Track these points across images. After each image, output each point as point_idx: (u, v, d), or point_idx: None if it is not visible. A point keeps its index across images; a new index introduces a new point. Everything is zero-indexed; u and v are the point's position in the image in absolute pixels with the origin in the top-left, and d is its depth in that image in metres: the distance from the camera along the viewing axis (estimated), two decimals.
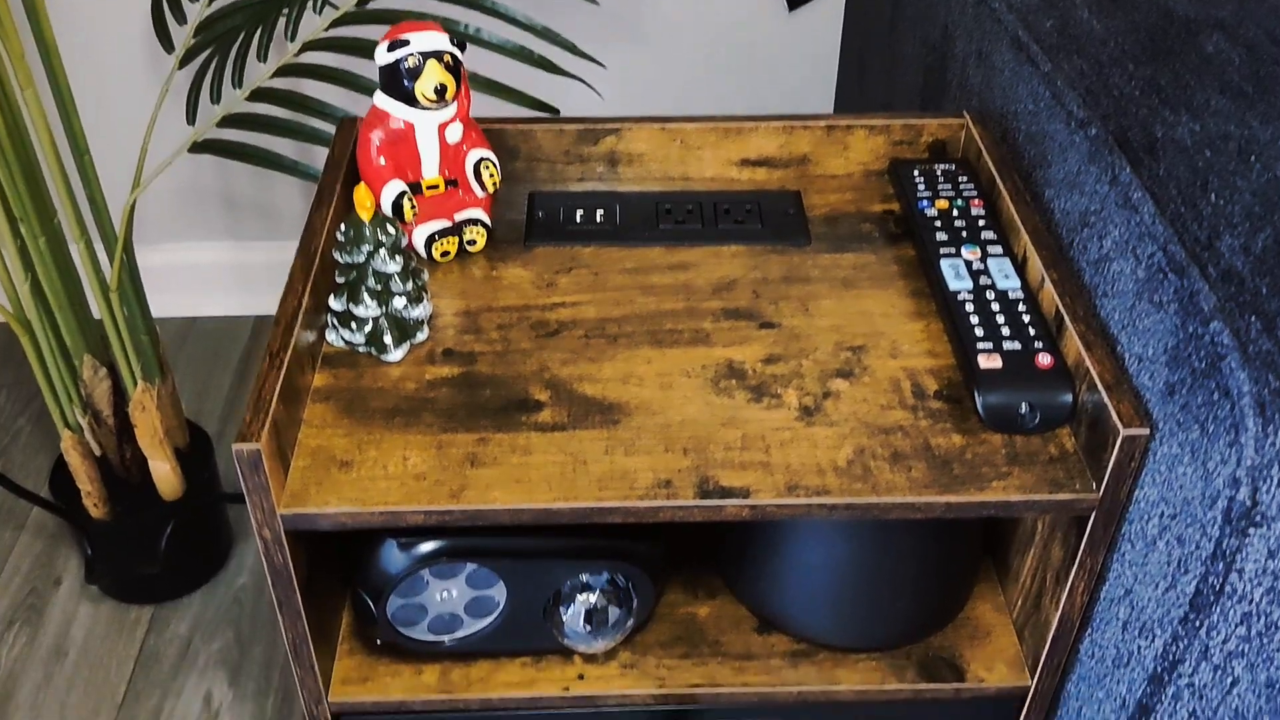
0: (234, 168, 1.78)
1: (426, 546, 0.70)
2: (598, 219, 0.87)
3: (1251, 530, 0.59)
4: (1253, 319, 0.60)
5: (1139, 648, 0.68)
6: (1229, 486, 0.58)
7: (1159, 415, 0.64)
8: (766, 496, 0.67)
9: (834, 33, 1.61)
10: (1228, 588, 0.61)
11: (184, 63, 1.19)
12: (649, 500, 0.67)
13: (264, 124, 1.15)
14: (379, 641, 0.78)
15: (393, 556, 0.70)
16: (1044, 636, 0.76)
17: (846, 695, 0.79)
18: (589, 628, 0.76)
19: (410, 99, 0.78)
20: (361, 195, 0.71)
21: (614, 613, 0.76)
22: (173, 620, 1.49)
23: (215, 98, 1.15)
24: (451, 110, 0.81)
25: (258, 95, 1.15)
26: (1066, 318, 0.71)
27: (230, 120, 1.15)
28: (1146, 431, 0.64)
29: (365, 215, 0.71)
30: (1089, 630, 0.76)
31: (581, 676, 0.79)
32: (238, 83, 1.14)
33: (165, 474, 1.43)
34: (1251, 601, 0.61)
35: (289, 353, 0.68)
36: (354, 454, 0.69)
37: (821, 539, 0.75)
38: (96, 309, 1.31)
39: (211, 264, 1.91)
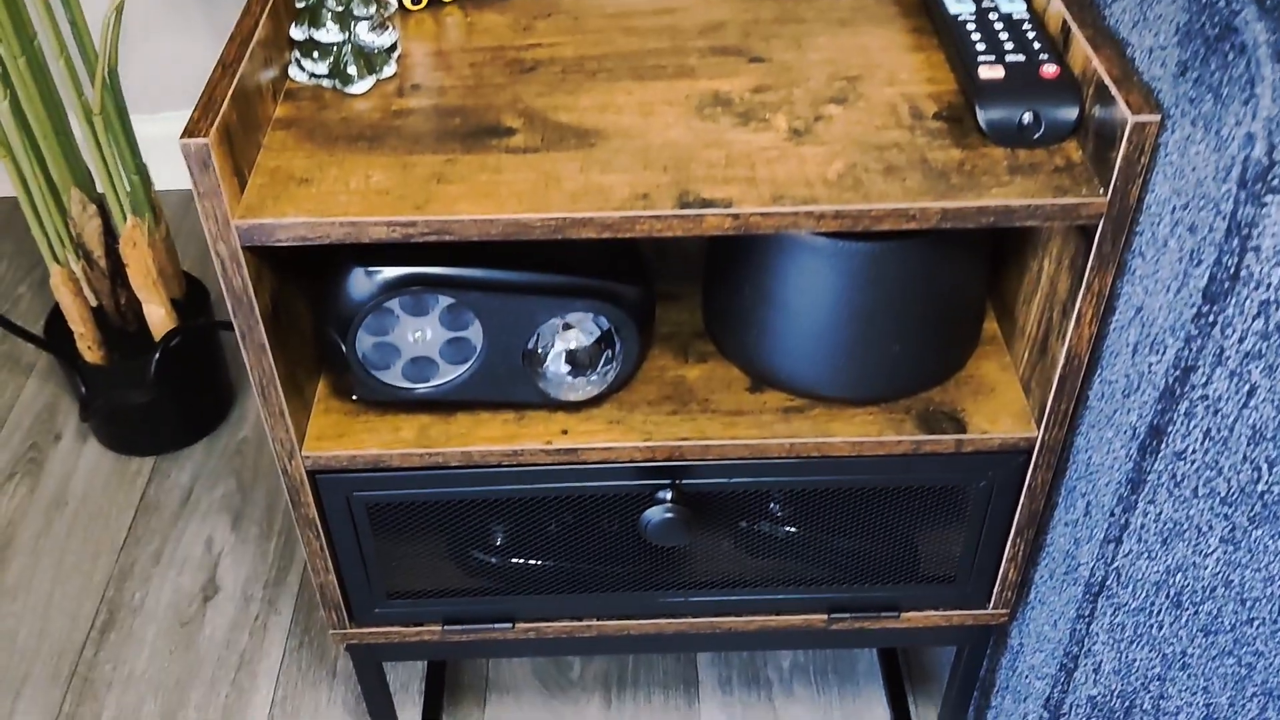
0: (228, 32, 1.74)
1: (393, 272, 0.67)
2: None
3: (1269, 198, 0.54)
4: None
5: (1149, 366, 0.64)
6: (1244, 147, 0.54)
7: (1169, 102, 0.60)
8: (750, 206, 0.63)
9: None
10: (1243, 272, 0.57)
11: None
12: (626, 211, 0.63)
13: None
14: (354, 397, 0.75)
15: (359, 284, 0.67)
16: (1050, 380, 0.72)
17: (841, 448, 0.75)
18: (570, 370, 0.72)
19: None
20: None
21: (596, 355, 0.72)
22: (173, 471, 1.47)
23: None
24: None
25: None
26: (1074, 26, 0.67)
27: None
28: (1156, 118, 0.59)
29: None
30: (1098, 370, 0.72)
31: (565, 431, 0.75)
32: None
33: (160, 318, 1.40)
34: (1269, 287, 0.57)
35: (243, 64, 0.64)
36: (314, 173, 0.65)
37: (814, 280, 0.71)
38: (85, 147, 1.28)
39: None
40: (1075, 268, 0.67)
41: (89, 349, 1.39)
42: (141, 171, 1.33)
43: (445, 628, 0.85)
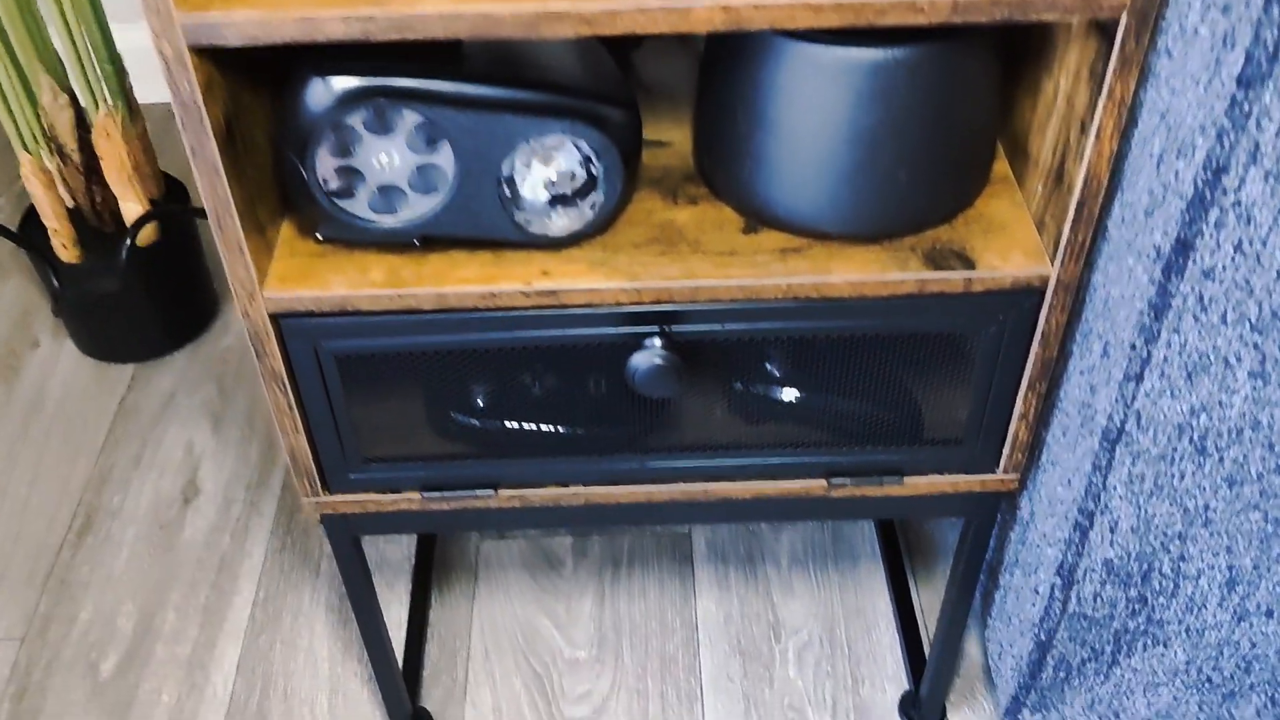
0: None
1: (354, 81, 0.62)
2: None
3: None
4: None
5: (1175, 174, 0.59)
6: None
7: None
8: None
9: None
10: None
11: None
12: (604, 4, 0.57)
13: None
14: (319, 236, 0.70)
15: (316, 95, 0.62)
16: (1066, 210, 0.67)
17: (841, 289, 0.70)
18: (549, 200, 0.67)
19: None
20: None
21: (576, 184, 0.67)
22: (153, 377, 1.43)
23: None
24: None
25: None
26: None
27: None
28: None
29: None
30: (1117, 194, 0.67)
31: (546, 272, 0.70)
32: None
33: (137, 215, 1.35)
34: None
35: None
36: None
37: (814, 99, 0.65)
38: (56, 34, 1.22)
39: None
40: (1095, 76, 0.62)
41: (63, 246, 1.34)
42: (115, 61, 1.28)
43: (425, 494, 0.81)
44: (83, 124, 1.31)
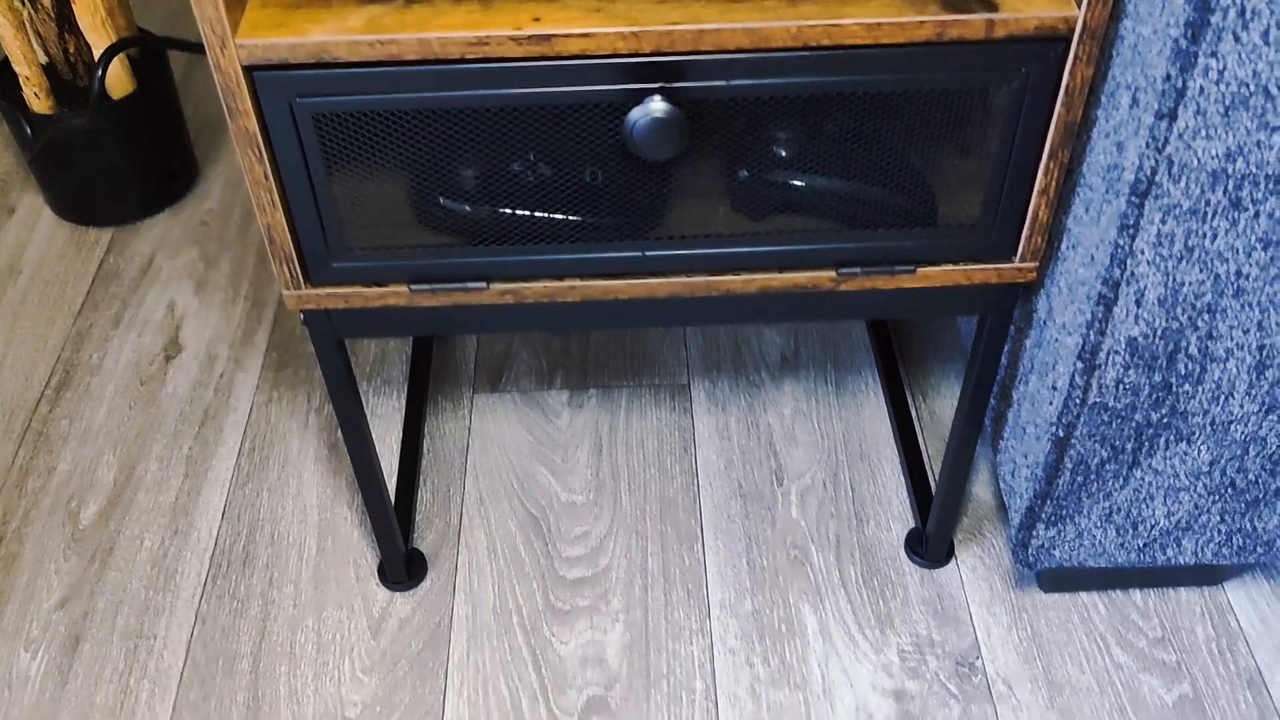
0: None
1: None
2: None
3: None
4: None
5: None
6: None
7: None
8: None
9: None
10: None
11: None
12: None
13: None
14: None
15: None
16: None
17: (855, 33, 0.66)
18: None
19: None
20: None
21: None
22: (133, 241, 1.38)
23: None
24: None
25: None
26: None
27: None
28: None
29: None
30: None
31: (537, 19, 0.66)
32: None
33: (112, 68, 1.30)
34: None
35: None
36: None
37: None
38: None
39: None
40: None
41: (35, 96, 1.29)
42: None
43: (413, 287, 0.77)
44: None
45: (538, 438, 1.15)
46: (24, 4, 1.26)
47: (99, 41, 1.29)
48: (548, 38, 0.65)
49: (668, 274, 0.78)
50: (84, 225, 1.40)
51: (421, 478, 1.11)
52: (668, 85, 0.67)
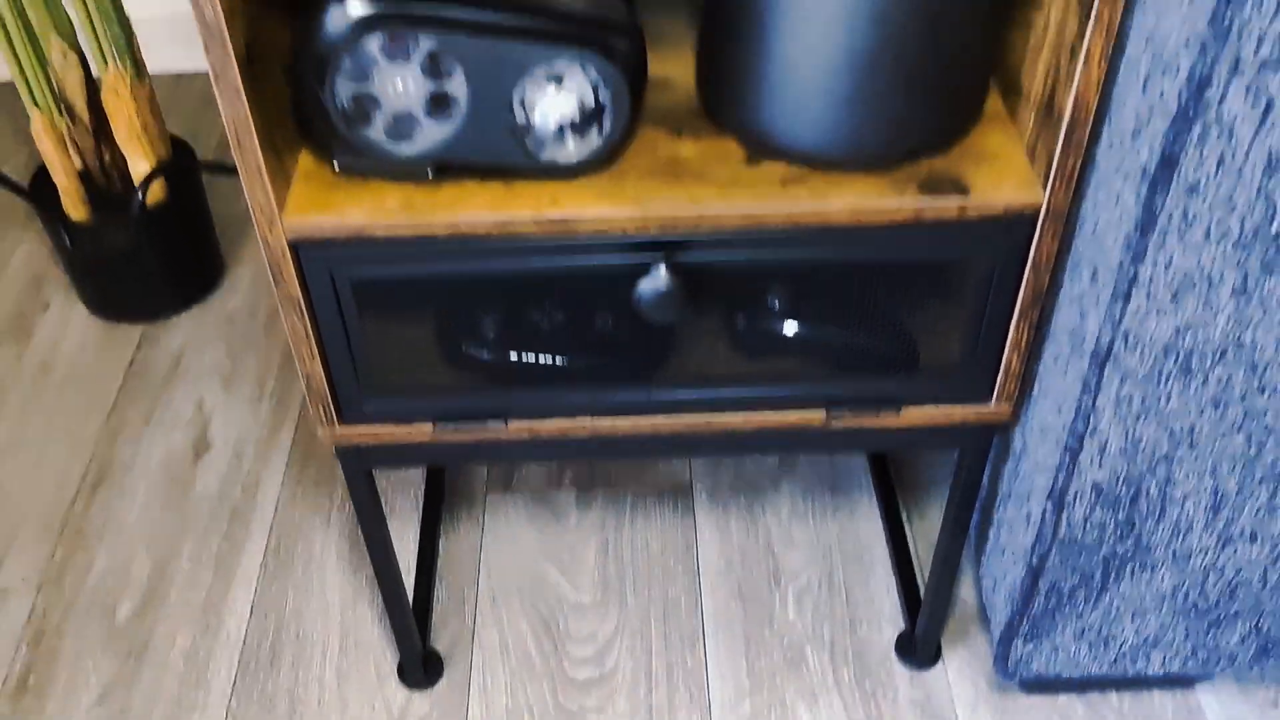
0: None
1: (370, 6, 0.64)
2: None
3: None
4: None
5: (1160, 93, 0.62)
6: None
7: None
8: None
9: None
10: None
11: None
12: None
13: None
14: (336, 167, 0.72)
15: (335, 20, 0.64)
16: (1056, 138, 0.69)
17: (840, 215, 0.73)
18: (558, 128, 0.69)
19: None
20: None
21: (584, 112, 0.69)
22: (162, 337, 1.45)
23: None
24: None
25: None
26: None
27: None
28: None
29: None
30: (1105, 122, 0.69)
31: (555, 200, 0.73)
32: None
33: (145, 174, 1.37)
34: None
35: None
36: None
37: (814, 23, 0.68)
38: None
39: None
40: (1084, 3, 0.65)
41: (73, 204, 1.36)
42: (124, 24, 1.30)
43: (437, 425, 0.83)
44: (92, 85, 1.34)
45: (547, 538, 1.21)
46: (63, 116, 1.34)
47: (134, 153, 1.36)
48: (564, 219, 0.72)
49: (671, 413, 0.84)
50: (115, 321, 1.47)
51: (438, 576, 1.17)
52: (672, 257, 0.74)
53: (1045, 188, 0.72)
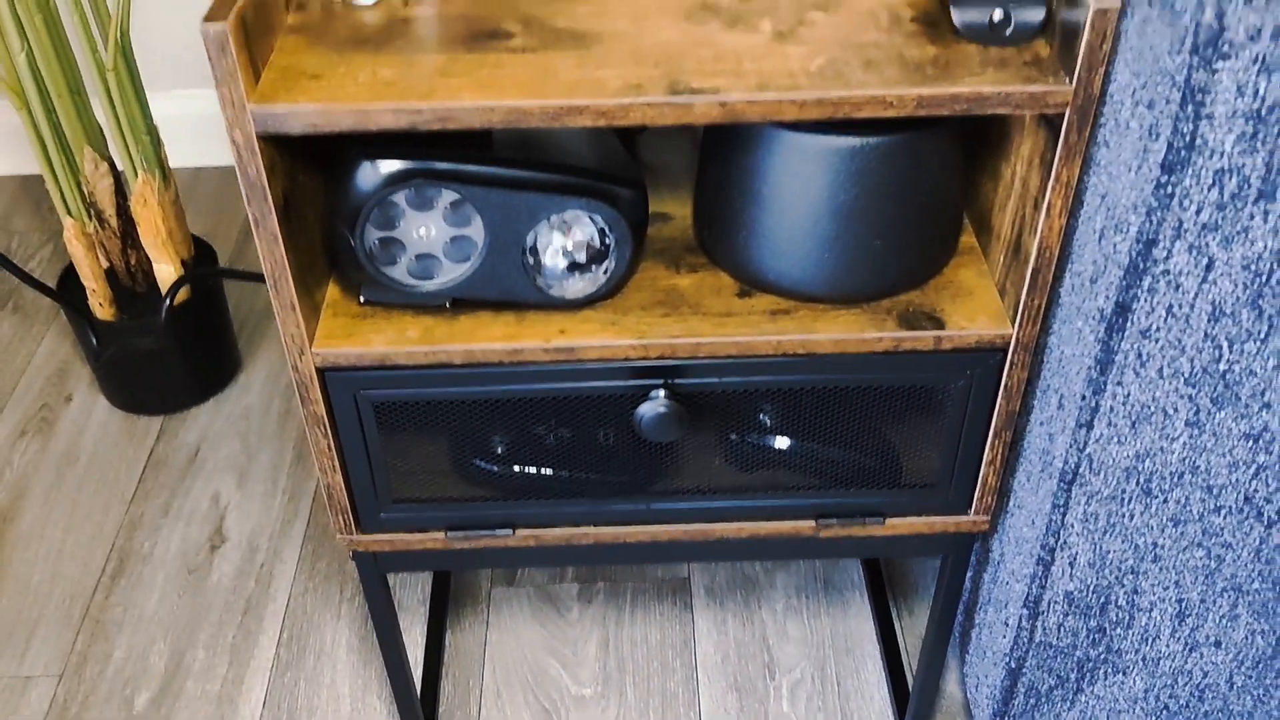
0: None
1: (399, 165, 0.71)
2: None
3: (1220, 64, 0.58)
4: None
5: (1114, 246, 0.68)
6: (1195, 13, 0.57)
7: None
8: (737, 94, 0.67)
9: None
10: (1198, 140, 0.61)
11: None
12: (619, 99, 0.67)
13: None
14: (362, 299, 0.78)
15: (366, 176, 0.71)
16: (1024, 278, 0.76)
17: (825, 346, 0.79)
18: (567, 267, 0.76)
19: None
20: None
21: (591, 253, 0.76)
22: (180, 430, 1.51)
23: None
24: None
25: None
26: None
27: None
28: (1117, 3, 0.63)
29: None
30: (1068, 264, 0.75)
31: (563, 331, 0.79)
32: None
33: (169, 276, 1.44)
34: (1223, 155, 0.61)
35: None
36: (325, 70, 0.69)
37: (799, 179, 0.75)
38: (98, 107, 1.32)
39: (216, 115, 1.91)
40: (1045, 162, 0.71)
41: (100, 305, 1.43)
42: (152, 132, 1.37)
43: (449, 534, 0.89)
44: (120, 191, 1.41)
45: (550, 631, 1.26)
46: (92, 220, 1.40)
47: (159, 256, 1.43)
48: (571, 348, 0.78)
49: (669, 523, 0.90)
50: (136, 413, 1.53)
51: (444, 670, 1.22)
52: (670, 382, 0.80)
53: (1014, 322, 0.78)
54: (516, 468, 0.86)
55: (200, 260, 1.51)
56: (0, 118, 1.92)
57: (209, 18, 0.63)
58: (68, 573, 1.33)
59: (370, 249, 0.74)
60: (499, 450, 0.86)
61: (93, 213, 1.40)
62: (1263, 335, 0.68)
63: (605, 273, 0.77)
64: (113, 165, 1.38)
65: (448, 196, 0.73)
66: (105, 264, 1.46)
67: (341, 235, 0.73)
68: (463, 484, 0.87)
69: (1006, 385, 0.81)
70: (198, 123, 1.93)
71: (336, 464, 0.83)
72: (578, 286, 0.77)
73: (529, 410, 0.82)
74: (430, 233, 0.74)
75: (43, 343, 1.64)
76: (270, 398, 1.56)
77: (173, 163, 1.95)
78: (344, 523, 0.88)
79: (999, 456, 0.85)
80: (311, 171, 0.77)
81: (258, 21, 0.68)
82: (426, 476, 0.86)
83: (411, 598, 1.29)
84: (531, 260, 0.76)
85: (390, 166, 0.71)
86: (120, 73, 1.29)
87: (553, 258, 0.76)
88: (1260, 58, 0.57)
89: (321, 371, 0.79)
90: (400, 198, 0.72)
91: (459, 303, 0.79)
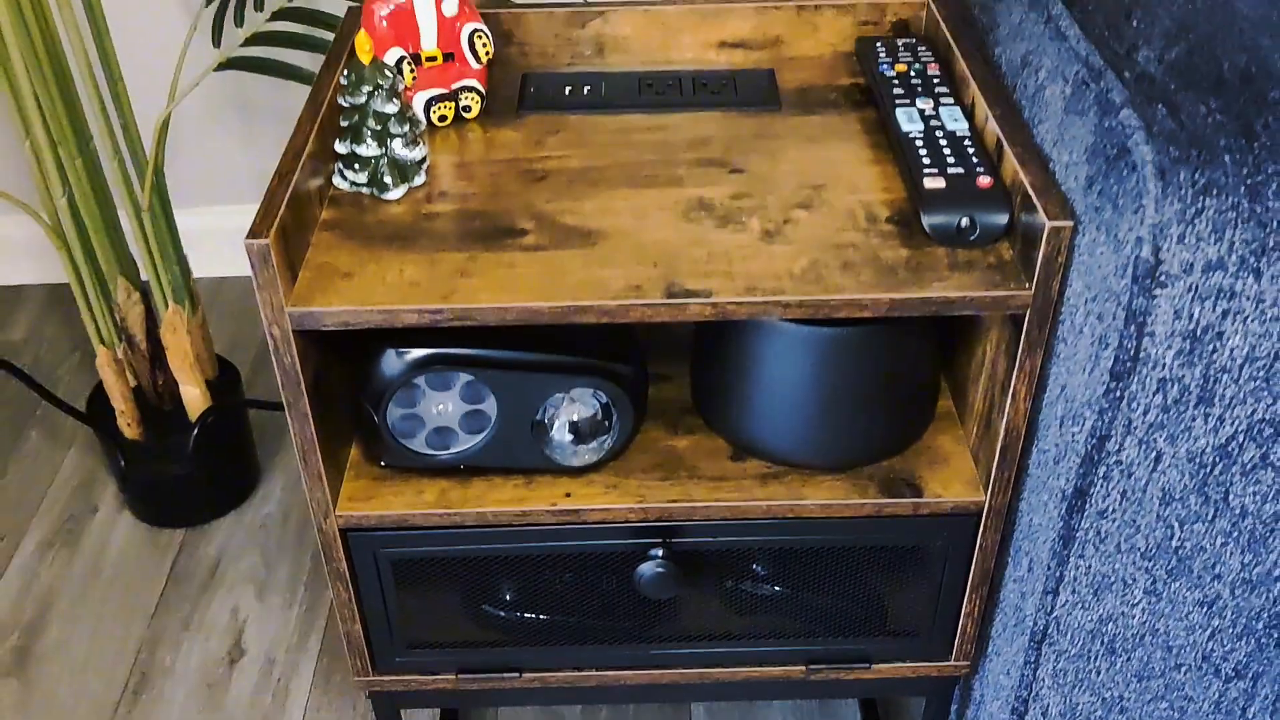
0: (262, 138, 1.88)
1: (420, 353, 0.77)
2: (585, 92, 0.94)
3: (1158, 291, 0.65)
4: (1160, 107, 0.67)
5: (1072, 435, 0.74)
6: (1135, 248, 0.64)
7: (1080, 209, 0.71)
8: (727, 296, 0.74)
9: None
10: (1142, 354, 0.67)
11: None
12: (621, 300, 0.74)
13: (283, 39, 1.24)
14: (383, 464, 0.85)
15: (391, 363, 0.77)
16: (994, 451, 0.82)
17: (812, 510, 0.85)
18: (573, 439, 0.82)
19: None
20: (362, 40, 0.79)
21: (595, 427, 0.82)
22: (201, 543, 1.57)
23: (239, 21, 1.24)
24: None
25: (277, 15, 1.24)
26: (1005, 144, 0.78)
27: (253, 40, 1.23)
28: (1070, 224, 0.70)
29: (366, 59, 0.79)
30: (1034, 441, 0.82)
31: (568, 494, 0.85)
32: (259, 6, 1.23)
33: (195, 398, 1.51)
34: (1164, 366, 0.67)
35: (295, 174, 0.76)
36: (355, 268, 0.76)
37: (786, 361, 0.81)
38: (131, 239, 1.40)
39: (240, 228, 1.99)
40: (1010, 352, 0.78)
41: (128, 426, 1.49)
42: (182, 263, 1.45)
43: (459, 676, 0.95)
44: (150, 317, 1.48)
45: None
46: (121, 342, 1.48)
47: (185, 379, 1.50)
48: (575, 511, 0.85)
49: (668, 666, 0.95)
50: (159, 526, 1.59)
51: None
52: (668, 541, 0.87)
53: (986, 491, 0.84)
54: (523, 615, 0.92)
55: (224, 378, 1.58)
56: (30, 229, 2.00)
57: (253, 233, 0.71)
58: (92, 688, 1.38)
59: (392, 425, 0.80)
60: (507, 598, 0.91)
61: (124, 336, 1.47)
62: (1210, 518, 0.74)
63: (608, 443, 0.84)
64: (144, 293, 1.46)
65: (464, 378, 0.79)
66: (133, 382, 1.53)
67: (366, 412, 0.80)
68: (473, 629, 0.93)
69: (981, 546, 0.87)
70: (223, 236, 2.01)
71: (356, 614, 0.89)
72: (583, 456, 0.83)
73: (536, 564, 0.88)
74: (447, 409, 0.81)
75: (69, 453, 1.71)
76: (289, 508, 1.62)
77: (196, 272, 2.03)
78: (361, 665, 0.93)
79: (976, 609, 0.91)
80: (338, 351, 0.84)
81: (295, 224, 0.76)
82: (439, 623, 0.92)
83: (422, 714, 1.34)
84: (540, 432, 0.82)
85: (414, 355, 0.77)
86: (155, 210, 1.37)
87: (560, 430, 0.82)
88: (1194, 287, 0.64)
89: (344, 532, 0.85)
90: (421, 380, 0.79)
91: (473, 470, 0.85)
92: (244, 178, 1.95)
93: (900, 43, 0.94)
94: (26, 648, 1.43)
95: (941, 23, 0.93)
